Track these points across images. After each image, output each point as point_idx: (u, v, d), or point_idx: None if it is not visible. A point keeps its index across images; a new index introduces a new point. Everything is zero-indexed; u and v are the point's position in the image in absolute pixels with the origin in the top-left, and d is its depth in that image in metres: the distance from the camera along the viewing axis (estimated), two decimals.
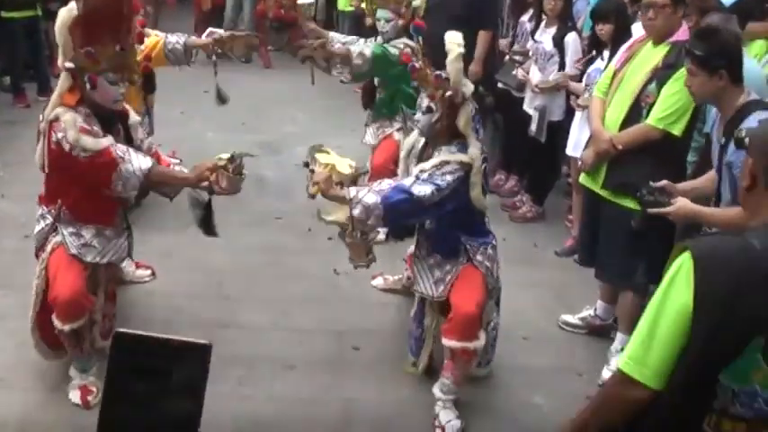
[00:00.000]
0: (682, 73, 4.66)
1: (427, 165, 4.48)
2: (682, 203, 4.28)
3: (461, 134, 4.52)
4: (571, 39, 7.05)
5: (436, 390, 4.78)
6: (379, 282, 6.10)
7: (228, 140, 7.91)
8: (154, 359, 0.77)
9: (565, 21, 7.14)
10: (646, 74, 5.04)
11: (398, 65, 6.04)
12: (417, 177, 4.41)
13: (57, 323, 4.52)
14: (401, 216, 4.46)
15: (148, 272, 6.01)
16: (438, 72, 4.44)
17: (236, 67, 11.60)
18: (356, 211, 4.28)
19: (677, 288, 2.40)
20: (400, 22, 6.46)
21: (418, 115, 4.70)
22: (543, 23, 7.25)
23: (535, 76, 7.26)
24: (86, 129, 4.31)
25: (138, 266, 5.95)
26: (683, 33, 5.04)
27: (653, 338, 2.43)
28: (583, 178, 5.49)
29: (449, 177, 4.41)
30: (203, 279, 6.06)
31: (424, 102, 4.66)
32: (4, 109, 9.25)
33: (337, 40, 6.89)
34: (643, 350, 2.44)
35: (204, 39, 6.33)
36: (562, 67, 7.07)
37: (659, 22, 5.05)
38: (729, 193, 4.15)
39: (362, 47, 6.50)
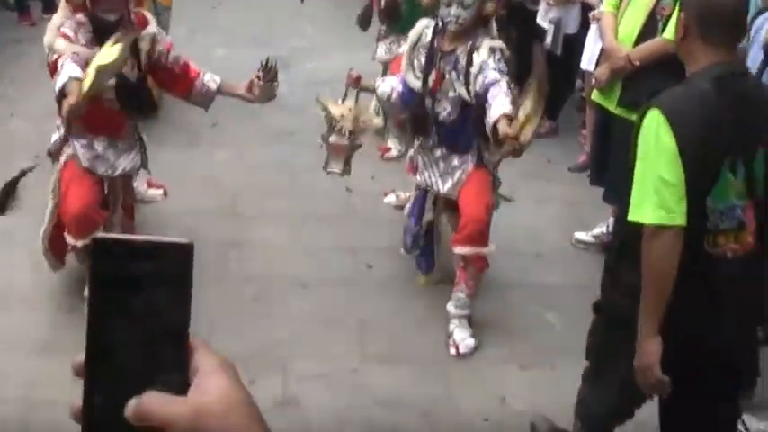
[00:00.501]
0: None
1: (482, 59, 4.41)
2: None
3: (483, 24, 4.55)
4: None
5: (450, 306, 4.78)
6: (391, 199, 6.08)
7: (237, 56, 7.84)
8: (135, 262, 0.75)
9: None
10: None
11: None
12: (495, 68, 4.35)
13: (69, 239, 4.53)
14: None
15: (160, 191, 5.98)
16: None
17: None
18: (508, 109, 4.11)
19: (661, 139, 2.89)
20: None
21: (454, 11, 4.48)
22: None
23: (570, 24, 7.11)
24: (66, 34, 4.27)
25: (149, 186, 5.93)
26: None
27: (665, 185, 2.88)
28: (595, 95, 5.42)
29: (502, 64, 4.42)
30: (216, 197, 6.05)
31: None
32: (10, 27, 9.15)
33: None
34: (661, 198, 2.88)
35: None
36: None
37: None
38: None
39: None
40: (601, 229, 5.73)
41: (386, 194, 6.11)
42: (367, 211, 6.02)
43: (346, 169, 4.96)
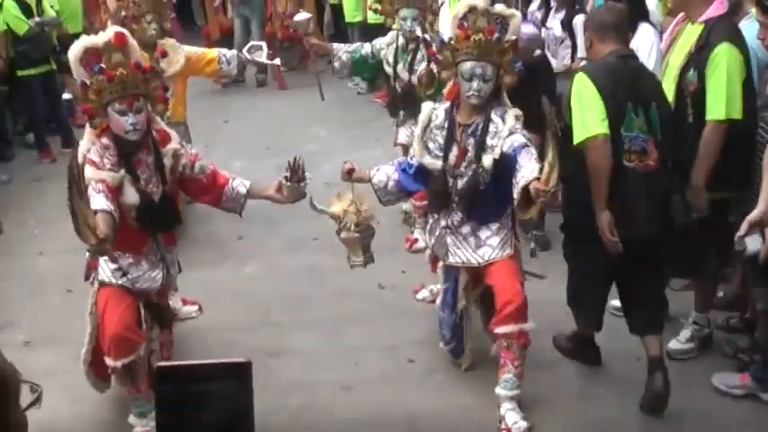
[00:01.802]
0: (716, 54, 4.64)
1: (510, 125, 4.56)
2: None
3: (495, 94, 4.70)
4: (579, 21, 6.98)
5: (499, 389, 4.72)
6: (424, 294, 6.07)
7: (255, 167, 7.94)
8: (198, 385, 0.77)
9: (572, 4, 7.11)
10: (683, 59, 4.91)
11: (378, 67, 6.82)
12: (524, 134, 4.52)
13: (108, 361, 4.56)
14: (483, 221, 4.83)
15: (195, 307, 6.03)
16: (514, 38, 4.64)
17: (252, 93, 11.70)
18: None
19: (586, 85, 4.56)
20: (430, 17, 6.51)
21: (476, 85, 4.59)
22: (552, 10, 7.21)
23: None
24: (93, 160, 4.36)
25: (184, 303, 5.97)
26: (715, 9, 4.85)
27: (591, 111, 4.51)
28: None
29: (526, 131, 4.58)
30: (250, 309, 6.07)
31: (488, 70, 4.58)
32: (31, 166, 9.32)
33: (343, 50, 6.90)
34: (591, 120, 4.50)
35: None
36: (574, 50, 7.03)
37: (670, 3, 4.98)
38: None
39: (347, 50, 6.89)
40: None
41: (416, 291, 6.11)
42: (401, 306, 6.02)
43: (368, 257, 4.99)
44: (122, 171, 4.47)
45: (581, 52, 6.94)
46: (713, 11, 4.83)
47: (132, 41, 4.54)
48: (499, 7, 4.72)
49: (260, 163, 8.31)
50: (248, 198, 4.91)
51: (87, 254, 4.80)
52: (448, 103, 4.86)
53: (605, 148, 4.49)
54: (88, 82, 4.37)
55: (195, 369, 0.87)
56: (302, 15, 6.79)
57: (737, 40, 4.80)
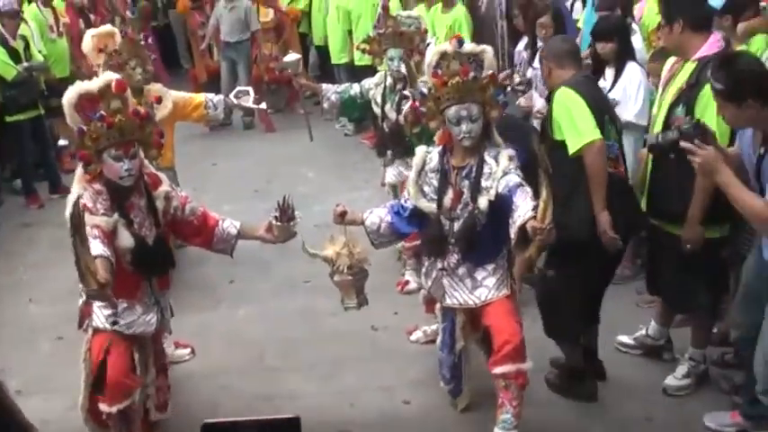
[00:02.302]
0: (706, 92, 4.62)
1: (504, 166, 4.58)
2: (714, 155, 4.07)
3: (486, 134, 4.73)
4: None
5: (498, 429, 4.69)
6: (418, 336, 6.05)
7: (244, 210, 7.92)
8: None
9: None
10: (673, 95, 4.95)
11: (366, 107, 6.85)
12: (518, 174, 4.53)
13: (103, 407, 4.55)
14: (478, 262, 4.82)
15: (188, 350, 5.99)
16: (491, 72, 4.65)
17: (239, 135, 11.72)
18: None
19: (573, 97, 4.83)
20: (417, 57, 6.54)
21: (465, 127, 4.62)
22: (539, 50, 7.26)
23: (537, 102, 7.26)
24: (86, 206, 4.33)
25: (177, 346, 5.93)
26: (709, 47, 4.86)
27: (585, 117, 4.79)
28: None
29: (519, 171, 4.59)
30: (244, 353, 6.03)
31: (473, 110, 4.61)
32: (19, 212, 9.27)
33: (333, 91, 6.95)
34: (585, 126, 4.78)
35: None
36: None
37: (663, 42, 5.08)
38: None
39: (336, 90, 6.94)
40: (641, 332, 5.71)
41: (410, 332, 6.09)
42: (395, 347, 5.99)
43: (361, 300, 4.99)
44: (116, 215, 4.47)
45: None
46: (707, 49, 4.85)
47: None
48: (468, 47, 4.75)
49: (249, 206, 8.31)
50: (239, 239, 4.95)
51: (80, 301, 4.79)
52: (441, 147, 4.89)
53: (603, 151, 4.81)
54: (85, 128, 4.38)
55: (241, 426, 0.86)
56: (291, 56, 6.84)
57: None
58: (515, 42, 7.87)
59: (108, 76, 4.57)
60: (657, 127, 4.99)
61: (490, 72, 4.65)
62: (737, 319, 4.73)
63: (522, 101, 7.45)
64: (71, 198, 4.48)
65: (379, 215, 4.98)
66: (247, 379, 5.71)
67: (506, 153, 4.64)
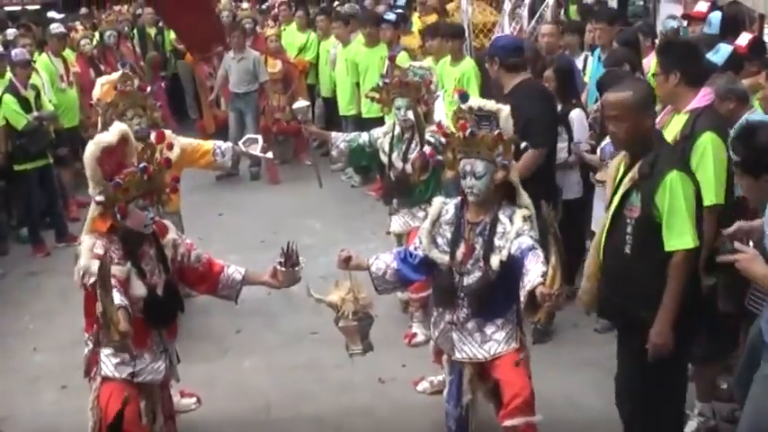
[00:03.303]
0: (701, 142, 4.74)
1: (518, 227, 4.61)
2: (752, 256, 3.88)
3: (507, 188, 4.75)
4: (575, 115, 7.09)
5: None
6: (425, 386, 6.01)
7: (250, 260, 7.86)
8: None
9: (567, 98, 7.19)
10: None
11: (374, 156, 6.85)
12: (531, 236, 4.56)
13: None
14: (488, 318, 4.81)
15: (193, 399, 5.95)
16: (498, 132, 4.62)
17: (246, 186, 11.74)
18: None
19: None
20: (423, 107, 6.60)
21: (468, 182, 4.69)
22: None
23: None
24: (100, 255, 4.35)
25: (182, 395, 5.90)
26: (701, 100, 4.97)
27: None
28: None
29: (534, 233, 4.63)
30: (250, 404, 5.99)
31: (477, 167, 4.65)
32: (25, 260, 9.25)
33: (342, 139, 6.98)
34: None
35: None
36: (570, 142, 7.09)
37: (658, 90, 5.04)
38: None
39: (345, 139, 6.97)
40: None
41: (416, 383, 6.04)
42: (402, 400, 5.94)
43: (366, 345, 5.00)
44: (128, 264, 4.53)
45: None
46: (698, 101, 4.94)
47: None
48: (479, 103, 4.74)
49: (256, 256, 8.25)
50: (244, 284, 5.04)
51: (86, 349, 4.79)
52: (459, 199, 4.90)
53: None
54: (121, 181, 4.43)
55: None
56: (301, 103, 6.86)
57: (722, 131, 4.88)
58: None
59: (120, 128, 4.65)
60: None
61: (496, 132, 4.63)
62: (739, 379, 4.66)
63: None
64: (85, 246, 4.50)
65: (385, 261, 4.99)
66: (253, 430, 5.68)
67: (521, 213, 4.66)
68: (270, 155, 7.22)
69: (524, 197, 4.80)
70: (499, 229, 4.67)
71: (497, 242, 4.64)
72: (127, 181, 4.45)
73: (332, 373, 6.28)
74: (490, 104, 4.74)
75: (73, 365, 5.97)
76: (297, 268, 4.89)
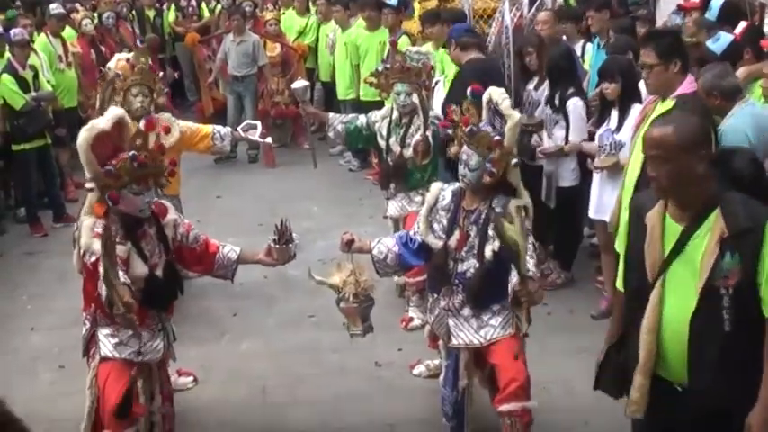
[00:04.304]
0: None
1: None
2: None
3: (505, 186, 4.76)
4: (572, 104, 7.08)
5: None
6: (420, 370, 6.03)
7: (248, 243, 7.83)
8: None
9: (566, 86, 7.17)
10: None
11: (371, 139, 6.89)
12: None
13: None
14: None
15: (190, 378, 5.98)
16: (498, 137, 4.64)
17: (244, 169, 11.74)
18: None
19: None
20: (424, 92, 6.67)
21: (462, 170, 4.77)
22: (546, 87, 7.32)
23: (544, 142, 7.29)
24: (101, 234, 4.40)
25: (179, 374, 5.92)
26: (687, 86, 5.06)
27: None
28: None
29: (528, 222, 4.70)
30: (246, 387, 6.01)
31: (472, 159, 4.70)
32: (23, 240, 9.25)
33: (339, 120, 6.99)
34: None
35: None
36: (567, 131, 7.10)
37: (652, 81, 5.12)
38: None
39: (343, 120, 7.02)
40: None
41: (412, 366, 6.06)
42: (398, 384, 5.96)
43: (366, 327, 5.02)
44: (129, 244, 4.58)
45: (573, 135, 7.04)
46: (684, 88, 5.03)
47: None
48: (503, 102, 4.73)
49: (254, 239, 8.16)
50: (239, 263, 5.09)
51: (84, 329, 4.81)
52: (456, 185, 4.92)
53: None
54: (113, 168, 4.45)
55: None
56: (300, 83, 6.85)
57: (709, 117, 4.98)
58: (525, 81, 7.89)
59: (115, 113, 4.65)
60: (635, 164, 5.10)
61: (496, 138, 4.65)
62: None
63: (534, 138, 7.43)
64: (85, 226, 4.53)
65: (387, 245, 5.02)
66: (250, 413, 5.70)
67: (515, 204, 4.68)
68: (269, 140, 7.23)
69: (525, 196, 4.81)
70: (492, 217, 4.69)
71: (490, 232, 4.66)
72: (119, 168, 4.46)
73: (328, 357, 6.30)
74: (506, 105, 4.73)
75: (70, 346, 6.00)
76: (291, 245, 4.95)
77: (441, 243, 4.83)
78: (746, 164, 3.90)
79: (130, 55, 6.90)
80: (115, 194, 4.48)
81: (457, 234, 4.81)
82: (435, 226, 4.89)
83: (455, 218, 4.83)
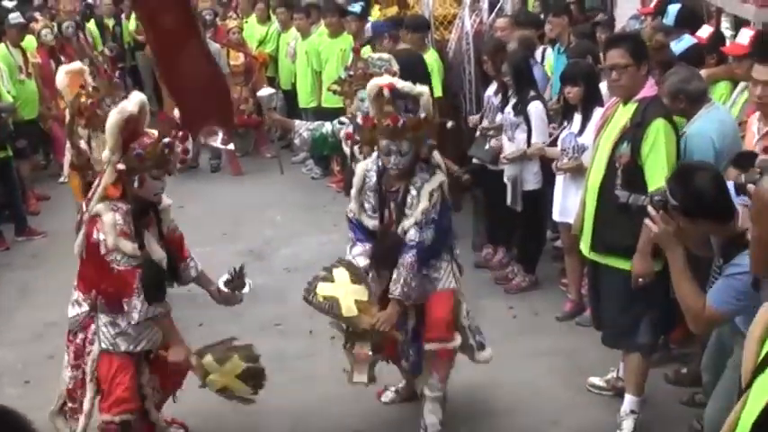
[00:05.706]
0: (653, 128, 4.90)
1: (421, 209, 4.94)
2: (671, 232, 3.90)
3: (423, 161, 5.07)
4: (533, 107, 7.15)
5: (426, 390, 5.12)
6: (389, 396, 5.89)
7: (212, 252, 7.89)
8: None
9: (526, 90, 7.23)
10: (616, 134, 5.10)
11: (337, 146, 6.59)
12: (420, 227, 4.91)
13: (105, 416, 4.73)
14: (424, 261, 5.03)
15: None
16: (403, 120, 4.89)
17: (206, 178, 11.69)
18: (398, 292, 4.89)
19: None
20: None
21: (393, 159, 4.98)
22: (509, 95, 7.36)
23: (506, 147, 7.34)
24: (125, 232, 4.56)
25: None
26: (648, 89, 5.13)
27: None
28: (581, 245, 5.51)
29: (438, 205, 4.95)
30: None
31: (403, 146, 4.95)
32: None
33: (305, 127, 6.96)
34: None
35: None
36: (530, 134, 7.15)
37: (624, 82, 5.12)
38: None
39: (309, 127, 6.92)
40: (612, 374, 5.75)
41: (380, 394, 5.88)
42: (368, 391, 5.84)
43: (371, 375, 5.13)
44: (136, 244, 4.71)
45: (536, 137, 7.10)
46: (645, 91, 5.11)
47: None
48: (406, 87, 5.02)
49: (217, 249, 8.28)
50: (195, 282, 5.29)
51: (79, 310, 4.88)
52: (379, 167, 5.12)
53: None
54: (143, 152, 4.60)
55: None
56: (266, 90, 6.83)
57: (671, 119, 5.08)
58: (485, 86, 7.96)
59: (139, 97, 4.84)
60: (598, 166, 5.18)
61: (422, 116, 4.91)
62: (708, 363, 4.72)
63: (493, 142, 7.48)
64: (107, 222, 4.59)
65: (355, 252, 5.23)
66: (217, 421, 5.70)
67: (428, 188, 4.96)
68: (231, 146, 7.21)
69: (436, 157, 5.10)
70: (408, 199, 4.98)
71: (407, 211, 4.96)
72: (147, 152, 4.60)
73: (296, 364, 6.30)
74: (410, 86, 5.00)
75: (35, 361, 5.96)
76: (238, 292, 5.14)
77: (374, 222, 5.11)
78: (708, 182, 3.89)
79: (73, 66, 6.86)
80: (145, 177, 4.64)
81: (386, 213, 5.09)
82: (366, 205, 5.15)
83: (382, 197, 5.10)
